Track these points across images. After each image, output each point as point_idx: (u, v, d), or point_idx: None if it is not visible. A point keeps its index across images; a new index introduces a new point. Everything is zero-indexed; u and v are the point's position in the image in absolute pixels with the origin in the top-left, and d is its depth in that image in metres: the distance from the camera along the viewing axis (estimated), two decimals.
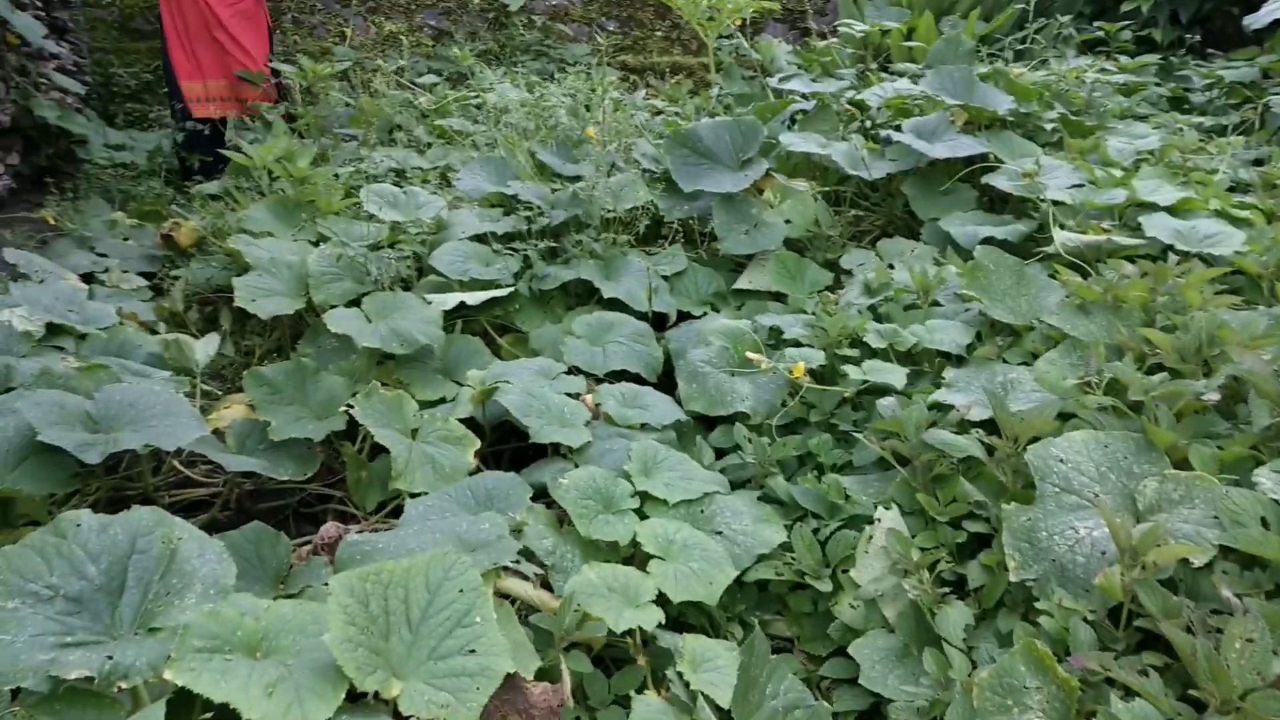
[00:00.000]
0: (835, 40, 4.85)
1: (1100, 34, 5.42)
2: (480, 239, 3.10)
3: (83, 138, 4.90)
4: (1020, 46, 5.13)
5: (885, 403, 2.20)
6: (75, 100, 5.14)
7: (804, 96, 3.93)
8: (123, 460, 2.45)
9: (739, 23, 5.22)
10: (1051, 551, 1.68)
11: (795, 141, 3.34)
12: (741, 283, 3.06)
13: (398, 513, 2.22)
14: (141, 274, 3.75)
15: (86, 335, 2.57)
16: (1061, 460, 1.78)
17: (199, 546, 1.34)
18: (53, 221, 4.11)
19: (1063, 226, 2.80)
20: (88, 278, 3.53)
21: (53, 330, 2.58)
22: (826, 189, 3.38)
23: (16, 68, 4.59)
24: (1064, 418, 2.01)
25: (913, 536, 1.88)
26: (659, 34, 8.14)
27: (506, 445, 2.59)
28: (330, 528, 1.91)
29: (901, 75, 4.13)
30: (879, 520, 1.92)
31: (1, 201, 4.35)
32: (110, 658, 1.18)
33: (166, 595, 1.29)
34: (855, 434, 2.26)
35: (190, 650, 1.14)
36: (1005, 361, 2.34)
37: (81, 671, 1.16)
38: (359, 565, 1.60)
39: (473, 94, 4.81)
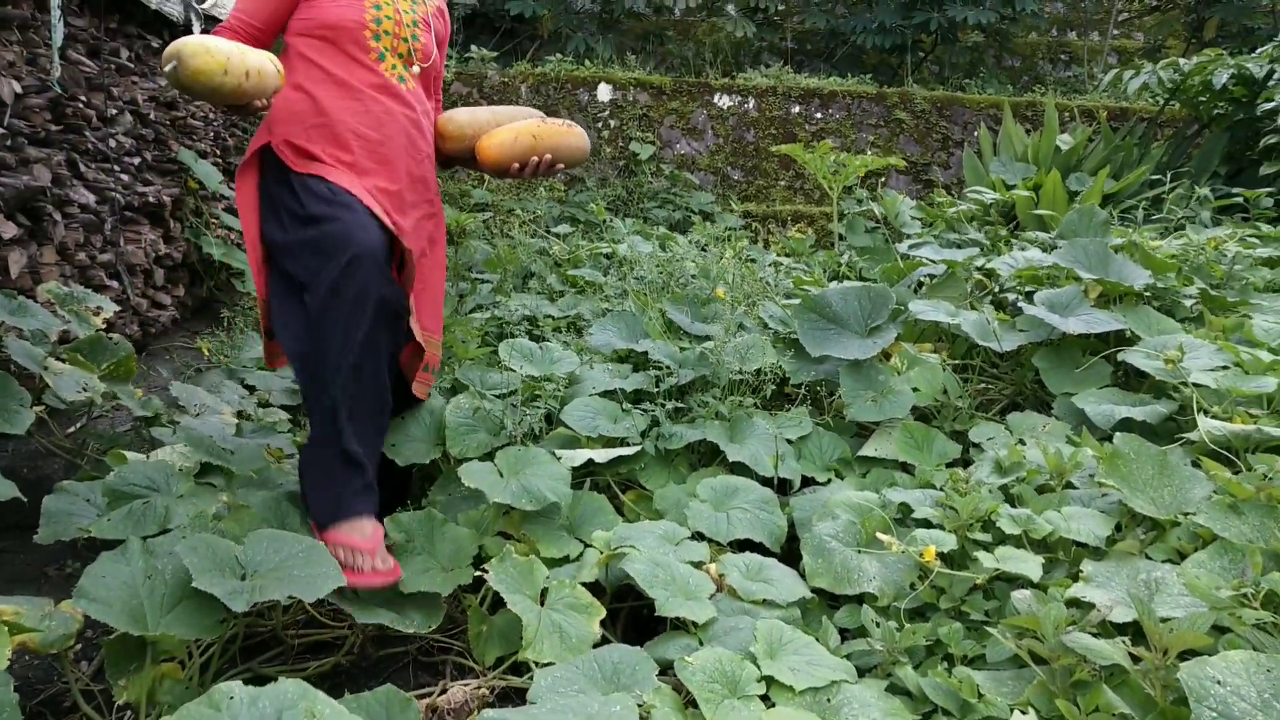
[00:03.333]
0: (963, 205, 4.90)
1: (1238, 199, 5.31)
2: (609, 394, 3.17)
3: (241, 272, 5.26)
4: (1153, 214, 5.06)
5: (1020, 596, 2.13)
6: (239, 237, 5.54)
7: (933, 263, 3.96)
8: None
9: (862, 173, 5.32)
10: None
11: (924, 310, 3.35)
12: (867, 450, 3.04)
13: (516, 669, 2.24)
14: (284, 407, 3.97)
15: (235, 474, 2.70)
16: (1219, 683, 1.68)
17: None
18: (207, 354, 4.40)
19: (1206, 412, 2.71)
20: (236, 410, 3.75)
21: (205, 468, 2.73)
22: (955, 361, 3.37)
23: (193, 210, 5.02)
24: (1218, 630, 1.90)
25: None
26: (782, 184, 8.35)
27: (623, 604, 2.58)
28: (457, 692, 1.93)
29: (1032, 244, 4.12)
30: None
31: (165, 330, 4.68)
32: None
33: None
34: (987, 623, 2.18)
35: None
36: (1148, 558, 2.25)
37: None
38: None
39: (603, 244, 5.01)
